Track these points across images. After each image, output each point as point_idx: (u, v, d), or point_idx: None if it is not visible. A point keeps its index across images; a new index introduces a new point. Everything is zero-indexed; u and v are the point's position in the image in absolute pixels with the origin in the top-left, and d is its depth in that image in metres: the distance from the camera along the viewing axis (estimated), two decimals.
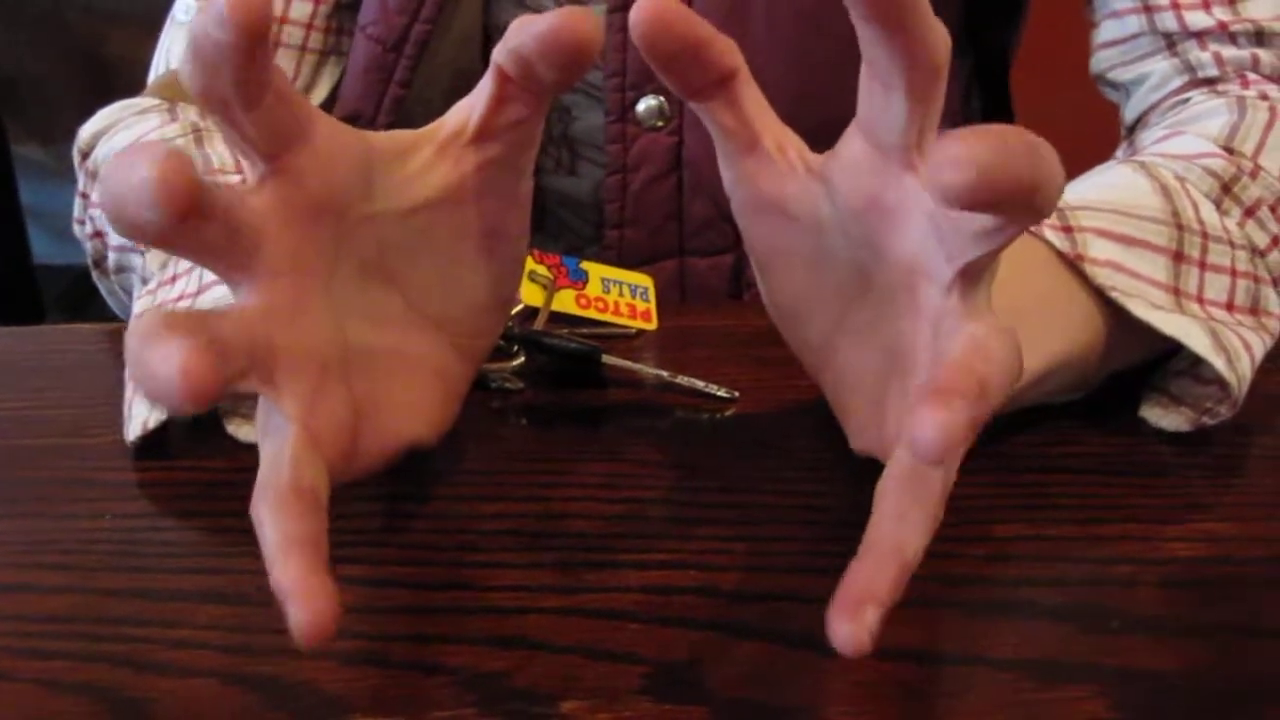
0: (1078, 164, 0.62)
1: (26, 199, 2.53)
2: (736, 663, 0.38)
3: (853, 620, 0.32)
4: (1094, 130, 0.74)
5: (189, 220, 0.32)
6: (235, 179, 0.59)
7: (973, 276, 0.36)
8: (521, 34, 0.37)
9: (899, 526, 0.34)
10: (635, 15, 0.38)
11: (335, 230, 0.39)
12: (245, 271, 0.36)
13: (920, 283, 0.38)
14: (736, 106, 0.41)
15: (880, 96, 0.36)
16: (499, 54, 0.39)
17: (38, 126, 2.66)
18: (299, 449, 0.36)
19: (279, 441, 0.36)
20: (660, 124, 0.70)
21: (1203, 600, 0.41)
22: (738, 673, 0.38)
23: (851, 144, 0.39)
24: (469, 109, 0.41)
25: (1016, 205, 0.31)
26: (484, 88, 0.40)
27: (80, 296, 2.66)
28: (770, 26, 0.67)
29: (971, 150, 0.29)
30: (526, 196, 0.44)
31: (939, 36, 0.34)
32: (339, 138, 0.38)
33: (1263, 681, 0.37)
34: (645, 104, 0.69)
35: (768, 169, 0.41)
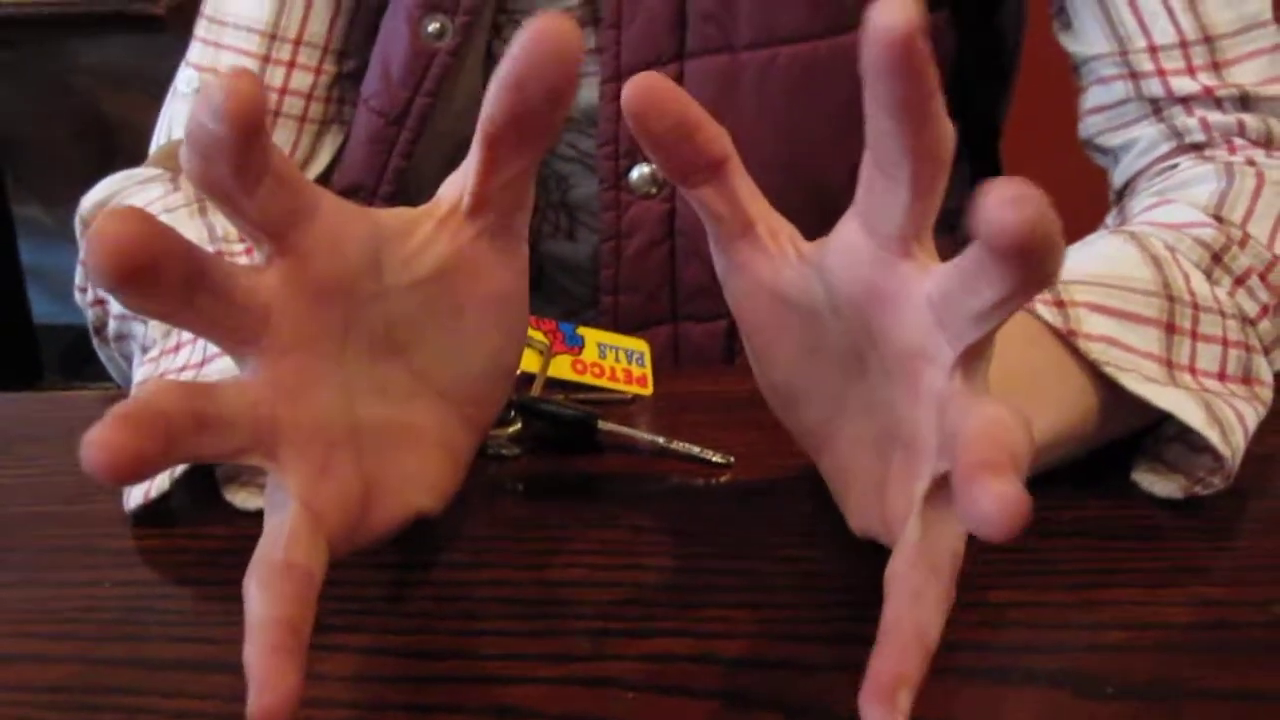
0: (1070, 229, 0.63)
1: (27, 259, 2.55)
2: None
3: (887, 706, 0.32)
4: (1086, 195, 0.75)
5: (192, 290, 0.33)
6: (240, 248, 0.59)
7: (974, 357, 0.37)
8: (505, 63, 0.37)
9: (916, 608, 0.35)
10: (628, 91, 0.38)
11: (344, 307, 0.39)
12: (252, 346, 0.37)
13: (921, 367, 0.38)
14: (728, 193, 0.41)
15: (882, 185, 0.37)
16: (484, 118, 0.39)
17: (40, 188, 2.68)
18: (298, 527, 0.36)
19: (280, 518, 0.36)
20: (654, 191, 0.70)
21: (1197, 665, 0.41)
22: None
23: (847, 231, 0.39)
24: (462, 181, 0.41)
25: (1045, 255, 0.31)
26: (473, 157, 0.40)
27: (79, 357, 2.66)
28: (760, 99, 0.68)
29: (1027, 191, 0.30)
30: (524, 259, 0.44)
31: (947, 132, 0.35)
32: (345, 217, 0.39)
33: None
34: (638, 172, 0.70)
35: (761, 255, 0.42)
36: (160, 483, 0.49)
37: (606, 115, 0.70)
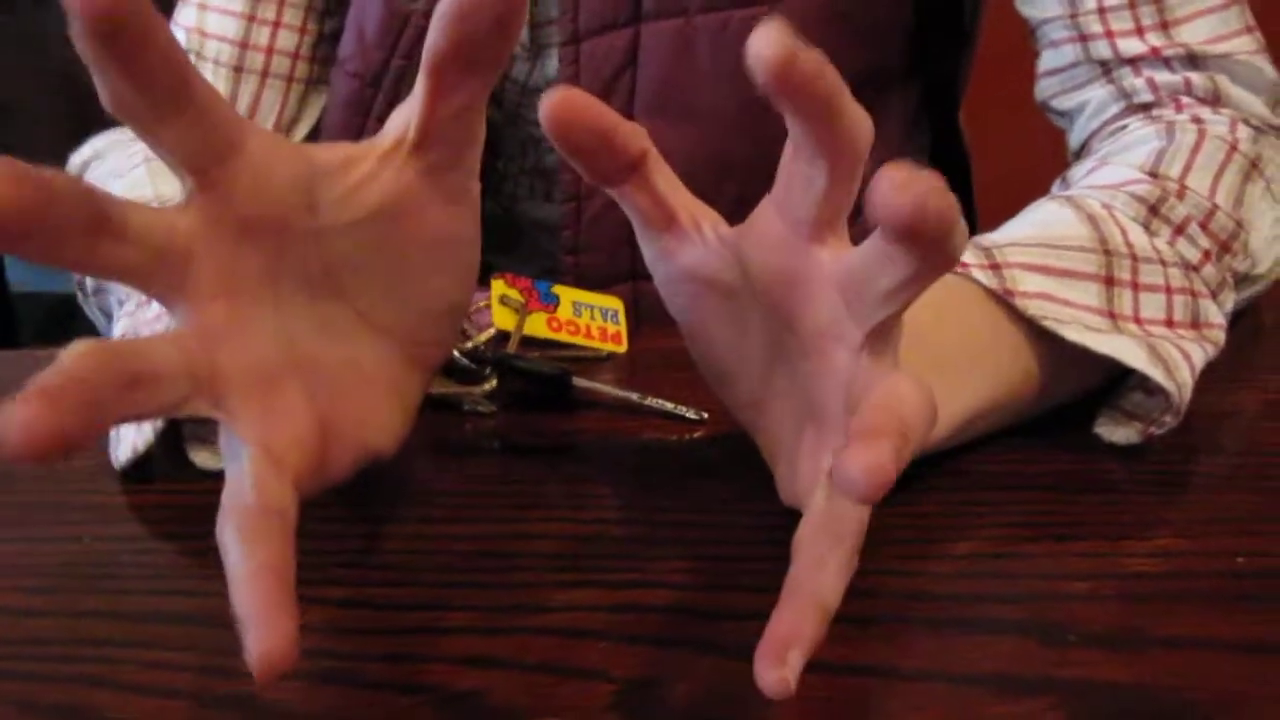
0: (1036, 189, 0.64)
1: None
2: (704, 679, 0.39)
3: (777, 665, 0.33)
4: (1050, 155, 0.76)
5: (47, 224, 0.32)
6: None
7: (880, 337, 0.38)
8: (448, 4, 0.36)
9: (817, 573, 0.36)
10: (544, 108, 0.39)
11: (274, 246, 0.38)
12: (178, 293, 0.36)
13: (831, 346, 0.40)
14: (649, 188, 0.42)
15: (801, 175, 0.38)
16: (428, 47, 0.37)
17: (16, 150, 2.67)
18: (260, 470, 0.36)
19: (239, 464, 0.36)
20: None
21: (1156, 614, 0.42)
22: (705, 689, 0.39)
23: (764, 217, 0.40)
24: (407, 116, 0.40)
25: (940, 237, 0.32)
26: (418, 89, 0.39)
27: (57, 324, 2.66)
28: (715, 62, 0.69)
29: (913, 177, 0.31)
30: (475, 199, 0.43)
31: (862, 125, 0.36)
32: (274, 153, 0.38)
33: (1216, 693, 0.38)
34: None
35: (684, 244, 0.43)
36: (146, 436, 0.50)
37: (565, 78, 0.71)
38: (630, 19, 0.70)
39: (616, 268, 0.73)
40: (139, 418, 0.35)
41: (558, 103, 0.39)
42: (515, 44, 0.38)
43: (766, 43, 0.33)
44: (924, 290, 0.36)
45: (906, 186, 0.31)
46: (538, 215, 0.79)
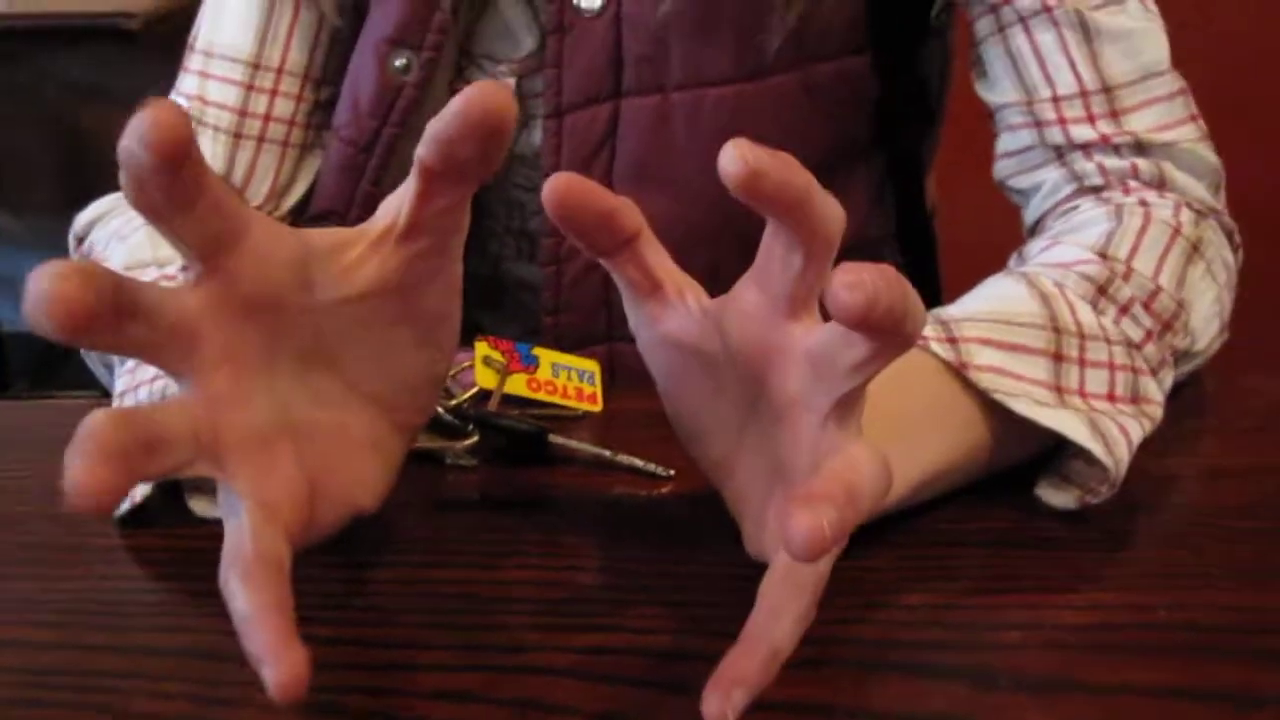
0: (1001, 256, 0.68)
1: None
2: (665, 715, 0.43)
3: (722, 700, 0.38)
4: (1014, 223, 0.80)
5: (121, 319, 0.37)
6: None
7: (845, 407, 0.42)
8: (439, 121, 0.40)
9: (773, 622, 0.40)
10: (548, 193, 0.43)
11: (272, 322, 0.42)
12: (185, 364, 0.40)
13: (800, 413, 0.44)
14: (639, 260, 0.46)
15: (779, 256, 0.42)
16: (421, 149, 0.41)
17: (10, 197, 2.70)
18: (257, 523, 0.40)
19: (238, 519, 0.40)
20: None
21: (1082, 662, 0.46)
22: None
23: (745, 291, 0.45)
24: (397, 206, 0.44)
25: (892, 326, 0.36)
26: (409, 185, 0.43)
27: (46, 365, 2.68)
28: (690, 137, 0.73)
29: (864, 276, 0.35)
30: (457, 281, 0.47)
31: (832, 215, 0.40)
32: (274, 237, 0.42)
33: None
34: None
35: (668, 312, 0.47)
36: (145, 488, 0.53)
37: (548, 149, 0.75)
38: (611, 94, 0.74)
39: (594, 329, 0.77)
40: (152, 478, 0.39)
41: (561, 188, 0.43)
42: (500, 162, 0.42)
43: (731, 160, 0.38)
44: (884, 367, 0.40)
45: (858, 286, 0.35)
46: (521, 275, 0.83)
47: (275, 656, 0.36)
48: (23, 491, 0.59)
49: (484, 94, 0.39)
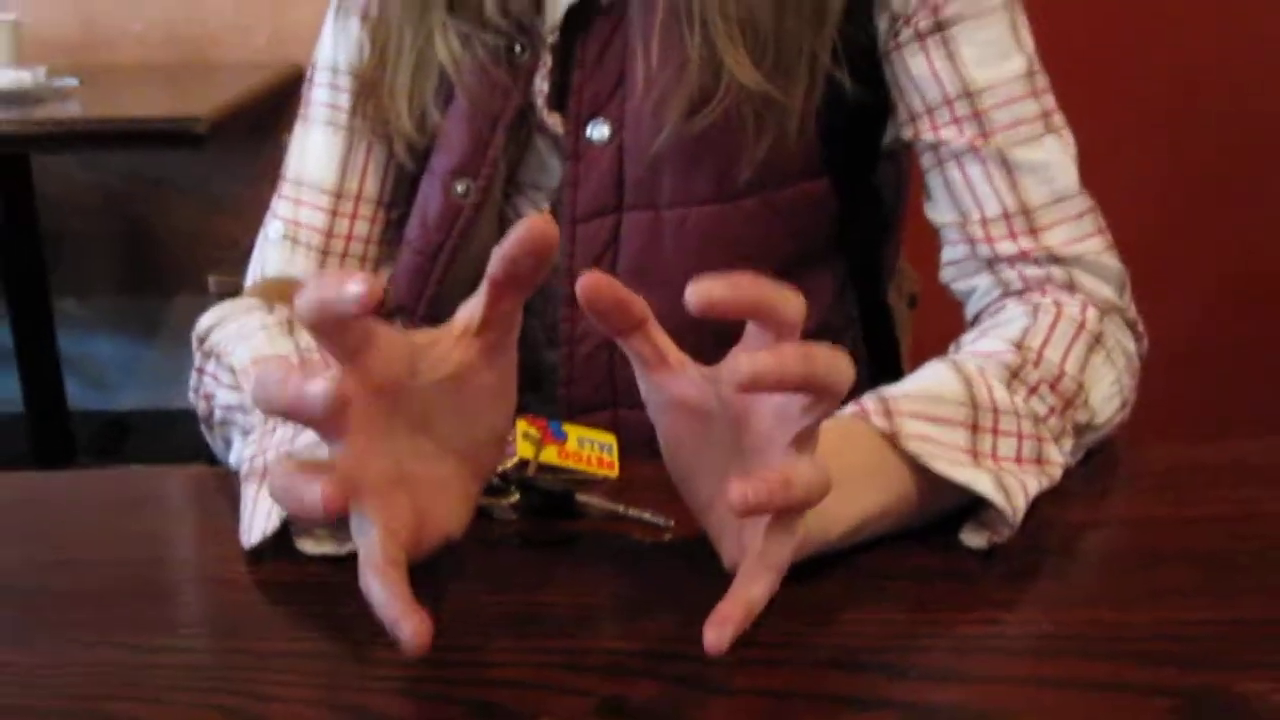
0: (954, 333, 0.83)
1: (63, 348, 2.67)
2: (669, 701, 0.58)
3: (718, 632, 0.55)
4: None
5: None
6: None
7: (802, 441, 0.58)
8: (504, 246, 0.56)
9: (750, 585, 0.58)
10: (580, 287, 0.58)
11: (392, 400, 0.59)
12: (337, 432, 0.57)
13: (769, 447, 0.59)
14: (649, 339, 0.62)
15: (755, 335, 0.58)
16: (492, 267, 0.58)
17: (75, 282, 2.81)
18: (384, 539, 0.57)
19: (369, 537, 0.57)
20: None
21: (978, 661, 0.61)
22: (671, 706, 0.57)
23: (733, 359, 0.59)
24: (471, 310, 0.60)
25: (820, 387, 0.54)
26: (480, 295, 0.60)
27: (109, 440, 2.83)
28: (677, 247, 0.89)
29: (746, 361, 0.53)
30: (513, 363, 0.63)
31: (793, 306, 0.56)
32: (391, 339, 0.59)
33: (1014, 713, 0.57)
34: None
35: (673, 379, 0.62)
36: (273, 523, 0.68)
37: (565, 252, 0.91)
38: (614, 209, 0.90)
39: (600, 398, 0.93)
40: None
41: (590, 283, 0.58)
42: (546, 274, 0.58)
43: (691, 295, 0.53)
44: (828, 414, 0.56)
45: (760, 368, 0.52)
46: (549, 359, 0.99)
47: (406, 621, 0.53)
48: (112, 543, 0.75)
49: (537, 225, 0.56)
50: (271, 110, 2.53)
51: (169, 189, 2.81)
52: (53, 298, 2.66)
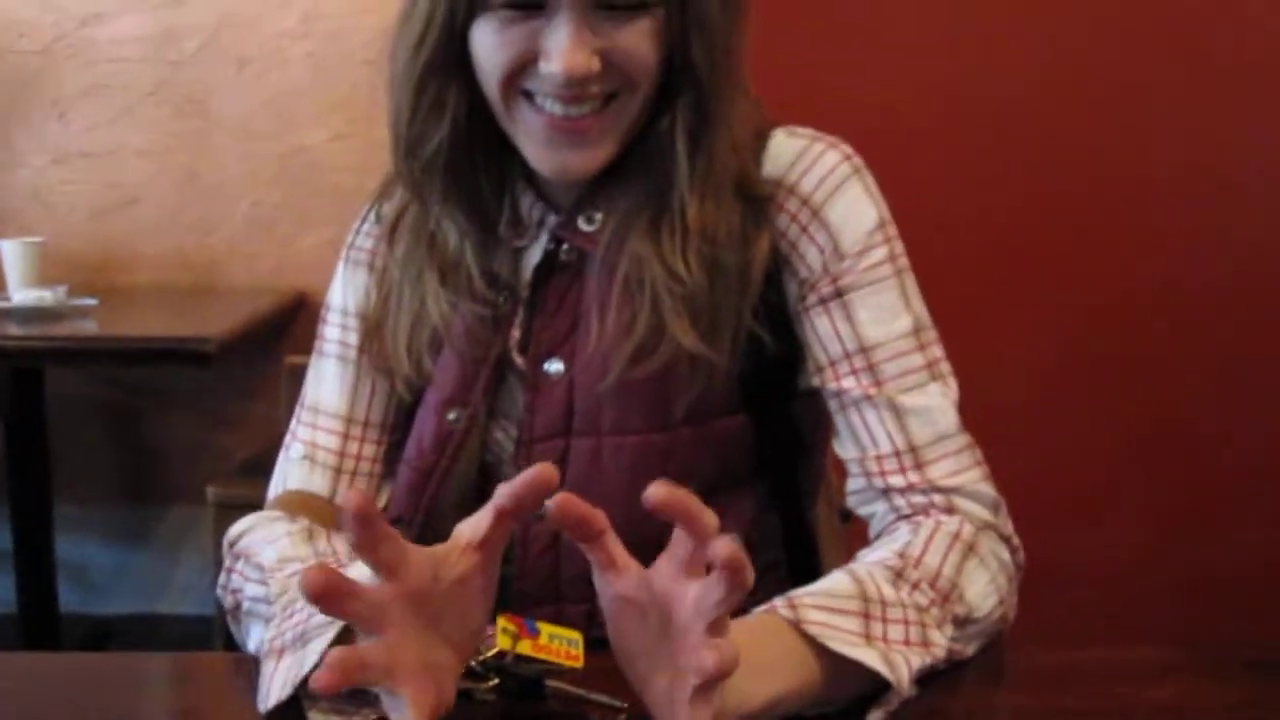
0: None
1: (59, 552, 2.76)
2: None
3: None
4: None
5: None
6: (337, 563, 0.94)
7: (716, 628, 0.72)
8: (514, 484, 0.73)
9: None
10: (553, 504, 0.73)
11: (418, 602, 0.74)
12: (377, 628, 0.73)
13: (688, 634, 0.73)
14: (605, 546, 0.76)
15: (682, 541, 0.73)
16: (499, 499, 0.74)
17: (76, 489, 2.92)
18: (416, 713, 0.72)
19: (402, 712, 0.72)
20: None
21: None
22: None
23: (662, 563, 0.75)
24: (474, 527, 0.76)
25: (731, 591, 0.70)
26: (486, 513, 0.75)
27: (94, 641, 2.88)
28: (615, 470, 1.04)
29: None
30: (498, 570, 0.79)
31: (709, 520, 0.71)
32: (418, 553, 0.74)
33: None
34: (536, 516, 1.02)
35: (621, 577, 0.77)
36: (287, 689, 0.82)
37: (519, 469, 1.05)
38: (564, 433, 1.05)
39: (545, 593, 1.06)
40: (355, 685, 0.71)
41: (563, 502, 0.74)
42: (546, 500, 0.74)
43: (654, 491, 0.69)
44: (736, 603, 0.71)
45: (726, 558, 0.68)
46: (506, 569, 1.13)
47: None
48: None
49: (544, 471, 0.73)
50: (274, 332, 2.70)
51: (171, 401, 2.95)
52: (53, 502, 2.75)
